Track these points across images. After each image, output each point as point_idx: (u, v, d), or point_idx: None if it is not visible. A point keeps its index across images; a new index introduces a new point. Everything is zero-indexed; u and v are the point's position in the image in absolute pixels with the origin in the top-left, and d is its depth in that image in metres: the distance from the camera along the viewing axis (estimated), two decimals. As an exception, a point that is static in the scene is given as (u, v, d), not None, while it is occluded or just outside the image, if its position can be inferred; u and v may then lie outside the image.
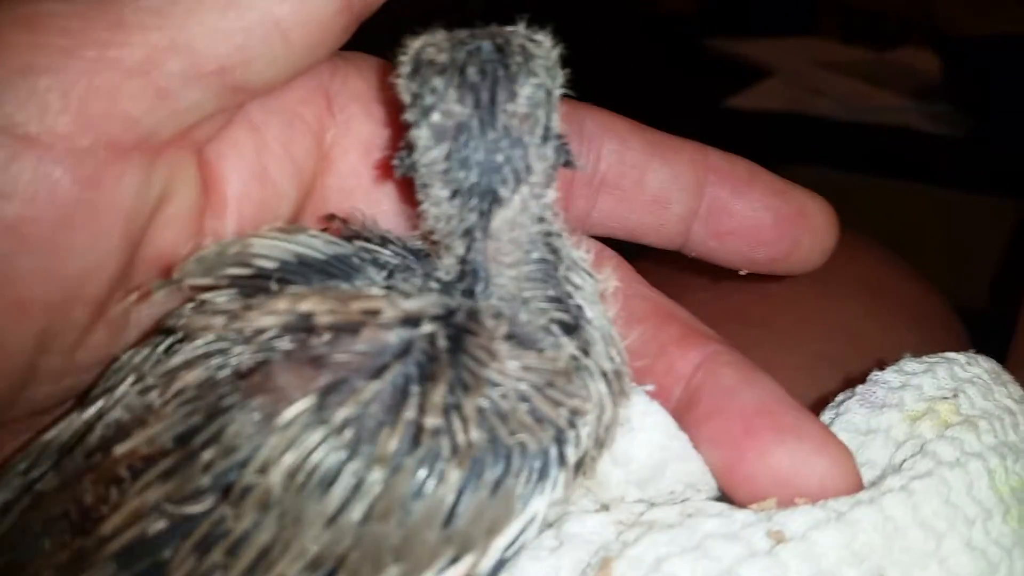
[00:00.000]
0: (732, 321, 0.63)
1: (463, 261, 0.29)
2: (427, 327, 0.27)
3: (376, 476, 0.25)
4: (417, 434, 0.25)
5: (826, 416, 0.36)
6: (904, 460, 0.32)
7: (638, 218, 0.38)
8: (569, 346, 0.29)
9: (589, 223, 0.38)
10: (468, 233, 0.28)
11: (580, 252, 0.31)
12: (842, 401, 0.36)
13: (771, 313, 0.63)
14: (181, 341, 0.28)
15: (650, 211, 0.37)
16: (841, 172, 1.40)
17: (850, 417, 0.35)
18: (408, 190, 0.31)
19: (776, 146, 1.43)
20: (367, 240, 0.31)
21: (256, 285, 0.29)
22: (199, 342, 0.27)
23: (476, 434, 0.26)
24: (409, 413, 0.25)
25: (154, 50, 0.28)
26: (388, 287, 0.30)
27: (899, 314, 0.67)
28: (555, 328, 0.29)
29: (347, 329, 0.26)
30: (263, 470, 0.25)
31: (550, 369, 0.27)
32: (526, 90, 0.27)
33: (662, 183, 0.37)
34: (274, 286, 0.28)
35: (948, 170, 1.36)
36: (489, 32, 0.28)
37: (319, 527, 0.25)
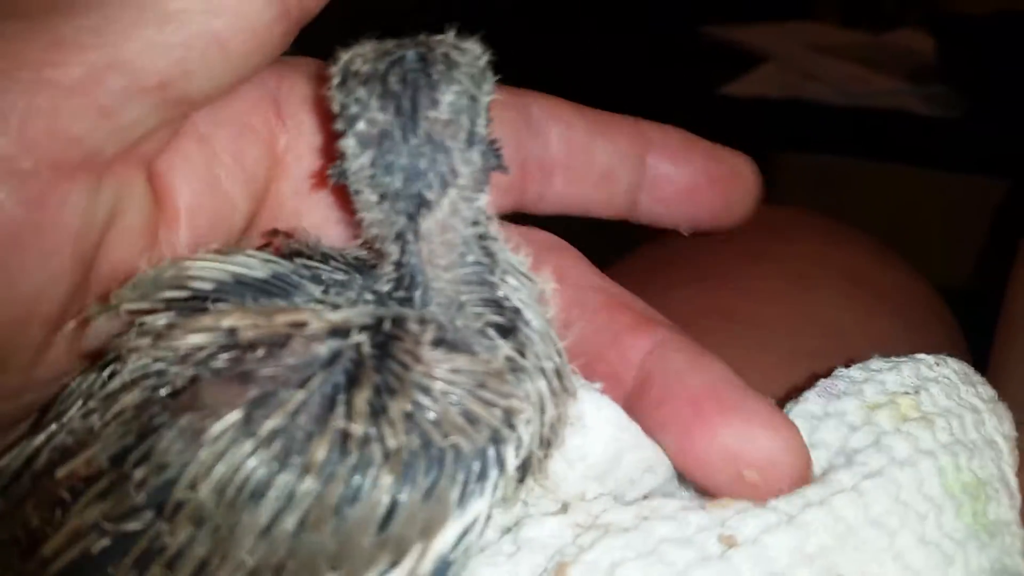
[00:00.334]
0: (714, 317, 0.63)
1: (399, 265, 0.30)
2: (355, 337, 0.27)
3: (307, 486, 0.25)
4: (346, 441, 0.26)
5: (787, 407, 0.36)
6: (859, 447, 0.33)
7: (589, 194, 0.40)
8: (505, 348, 0.29)
9: (544, 204, 0.40)
10: (400, 236, 0.29)
11: (518, 256, 0.32)
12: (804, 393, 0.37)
13: (753, 309, 0.63)
14: (120, 364, 0.29)
15: (599, 187, 0.40)
16: (836, 157, 1.39)
17: (807, 405, 0.35)
18: (345, 199, 0.32)
19: (771, 133, 1.43)
20: (308, 257, 0.32)
21: (192, 307, 0.29)
22: (135, 365, 0.28)
23: (407, 438, 0.26)
24: (337, 421, 0.26)
25: (93, 68, 0.28)
26: (320, 301, 0.30)
27: (882, 304, 0.67)
28: (491, 331, 0.30)
29: (274, 343, 0.27)
30: (193, 485, 0.25)
31: (482, 371, 0.28)
32: (448, 97, 0.28)
33: (608, 160, 0.40)
34: (210, 307, 0.29)
35: (944, 152, 1.35)
36: (415, 42, 0.29)
37: (253, 539, 0.25)
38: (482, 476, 0.27)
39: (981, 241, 1.17)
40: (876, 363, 0.37)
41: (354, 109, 0.28)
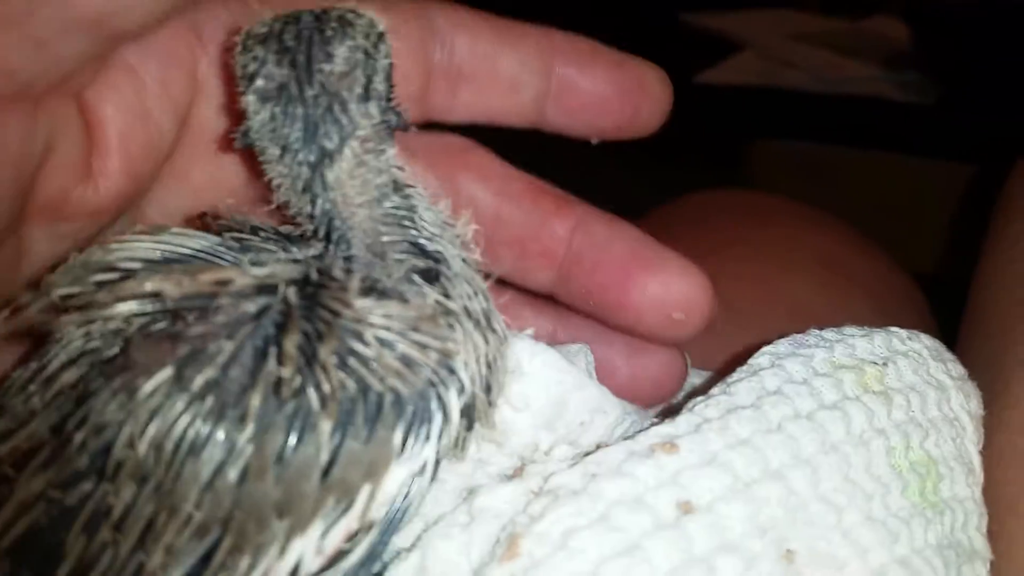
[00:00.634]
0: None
1: (312, 218, 0.30)
2: (283, 291, 0.28)
3: (245, 435, 0.25)
4: (279, 389, 0.26)
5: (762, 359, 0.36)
6: (819, 391, 0.33)
7: (496, 104, 0.40)
8: (433, 293, 0.30)
9: (452, 114, 0.40)
10: (307, 189, 0.30)
11: (436, 205, 0.32)
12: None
13: (726, 292, 0.63)
14: (55, 347, 0.29)
15: (506, 96, 0.40)
16: (813, 144, 1.40)
17: (776, 347, 0.36)
18: (255, 164, 0.32)
19: (748, 120, 1.43)
20: (237, 231, 0.32)
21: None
22: (70, 344, 0.28)
23: (342, 383, 0.26)
24: (269, 371, 0.26)
25: (29, 1, 0.28)
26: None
27: (856, 288, 0.68)
28: (416, 278, 0.30)
29: (200, 301, 0.27)
30: (132, 444, 0.25)
31: (414, 316, 0.28)
32: (342, 51, 0.29)
33: (513, 69, 0.40)
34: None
35: (918, 138, 1.36)
36: (313, 9, 0.30)
37: (197, 493, 0.25)
38: (425, 419, 0.28)
39: (951, 227, 1.18)
40: (850, 329, 0.38)
41: (252, 67, 0.29)
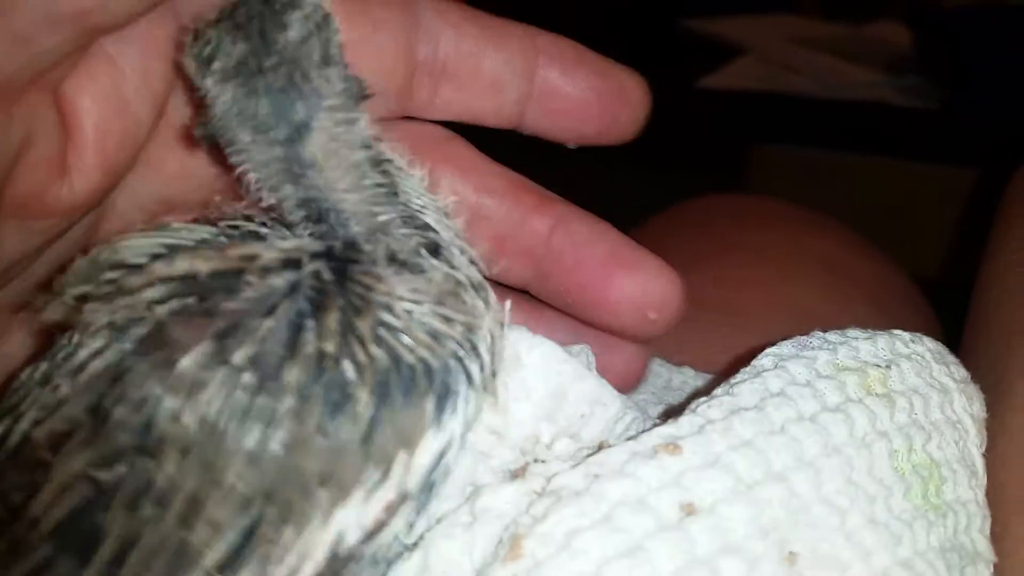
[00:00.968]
0: (689, 304, 0.63)
1: (301, 202, 0.30)
2: (310, 266, 0.28)
3: (286, 407, 0.26)
4: (319, 362, 0.26)
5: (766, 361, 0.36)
6: (822, 393, 0.33)
7: (478, 103, 0.40)
8: (442, 266, 0.30)
9: (433, 110, 0.40)
10: (287, 169, 0.29)
11: (415, 174, 0.32)
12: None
13: (728, 296, 0.63)
14: (77, 338, 0.29)
15: (488, 96, 0.40)
16: (815, 149, 1.40)
17: (780, 348, 0.36)
18: (222, 159, 0.31)
19: (750, 125, 1.43)
20: (231, 220, 0.32)
21: None
22: (96, 332, 0.28)
23: (377, 355, 0.27)
24: (308, 345, 0.26)
25: None
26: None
27: (858, 292, 0.68)
28: (423, 251, 0.30)
29: (230, 277, 0.27)
30: (174, 417, 0.26)
31: (437, 291, 0.29)
32: (295, 19, 0.29)
33: (496, 69, 0.39)
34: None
35: (921, 143, 1.36)
36: None
37: (240, 465, 0.26)
38: (453, 391, 0.28)
39: (954, 231, 1.18)
40: (853, 332, 0.38)
41: (207, 50, 0.29)
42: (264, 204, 0.31)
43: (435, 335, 0.28)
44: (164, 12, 0.34)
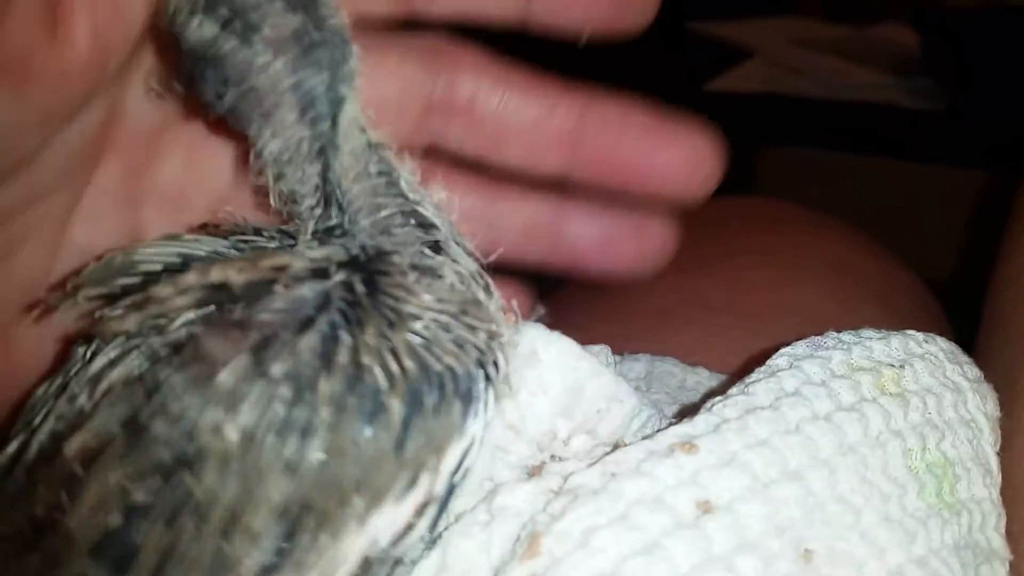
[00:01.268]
0: (696, 306, 0.63)
1: (321, 185, 0.30)
2: (338, 276, 0.28)
3: (323, 418, 0.26)
4: (353, 374, 0.27)
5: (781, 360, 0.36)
6: (837, 393, 0.33)
7: (479, 1, 0.40)
8: (450, 264, 0.30)
9: (435, 9, 0.40)
10: (323, 152, 0.29)
11: (407, 166, 0.32)
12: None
13: (736, 298, 0.63)
14: (97, 347, 0.29)
15: None
16: (822, 151, 1.40)
17: (795, 348, 0.36)
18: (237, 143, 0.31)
19: (757, 128, 1.43)
20: (242, 233, 0.33)
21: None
22: (116, 341, 0.28)
23: (408, 365, 0.28)
24: (341, 357, 0.27)
25: None
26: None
27: (867, 293, 0.68)
28: (426, 251, 0.30)
29: (262, 287, 0.28)
30: (216, 430, 0.26)
31: (460, 299, 0.30)
32: None
33: None
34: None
35: (928, 145, 1.36)
36: None
37: (279, 475, 0.26)
38: (475, 396, 0.29)
39: (966, 233, 1.18)
40: (867, 332, 0.38)
41: (254, 16, 0.27)
42: (269, 192, 0.31)
43: (460, 343, 0.29)
44: None
